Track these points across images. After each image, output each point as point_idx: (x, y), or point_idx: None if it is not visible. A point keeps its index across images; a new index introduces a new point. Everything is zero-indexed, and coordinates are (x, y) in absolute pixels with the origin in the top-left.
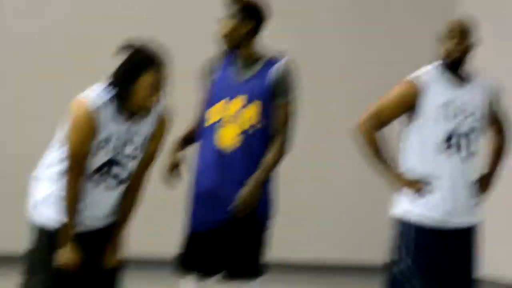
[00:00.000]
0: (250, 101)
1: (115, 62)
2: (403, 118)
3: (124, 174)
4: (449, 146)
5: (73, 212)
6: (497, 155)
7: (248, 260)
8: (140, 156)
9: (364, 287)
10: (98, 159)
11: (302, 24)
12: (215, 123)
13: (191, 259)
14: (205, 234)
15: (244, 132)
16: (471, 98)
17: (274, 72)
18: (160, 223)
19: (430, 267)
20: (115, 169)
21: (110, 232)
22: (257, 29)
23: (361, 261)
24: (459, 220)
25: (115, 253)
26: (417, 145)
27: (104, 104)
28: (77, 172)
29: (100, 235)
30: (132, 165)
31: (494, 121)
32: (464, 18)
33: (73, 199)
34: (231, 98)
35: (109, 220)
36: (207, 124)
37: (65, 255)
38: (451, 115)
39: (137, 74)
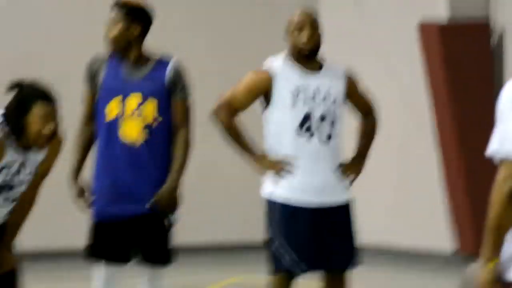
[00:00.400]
0: (145, 98)
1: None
2: (260, 103)
3: (16, 194)
4: (306, 130)
5: None
6: (366, 138)
7: (160, 249)
8: (31, 178)
9: (254, 264)
10: None
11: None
12: (116, 117)
13: (100, 248)
14: (113, 224)
15: (148, 126)
16: (324, 83)
17: (168, 71)
18: (68, 215)
19: (301, 242)
20: (9, 192)
21: (1, 233)
22: (144, 31)
23: (250, 240)
24: (324, 200)
25: (9, 256)
26: (274, 130)
27: (5, 133)
28: None
29: None
30: (24, 187)
31: (360, 104)
32: (309, 9)
33: None
34: (125, 96)
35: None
36: (108, 119)
37: None
38: (304, 100)
39: (27, 107)
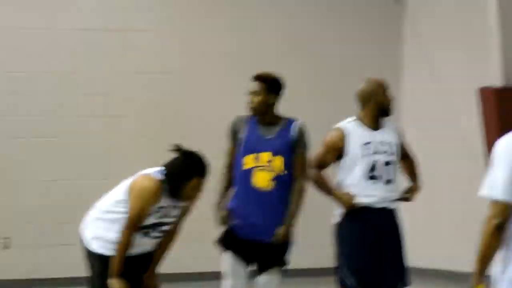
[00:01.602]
0: (274, 155)
1: None
2: (336, 162)
3: (165, 229)
4: (372, 176)
5: (123, 257)
6: (414, 173)
7: (275, 261)
8: (177, 217)
9: None
10: (150, 220)
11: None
12: (251, 168)
13: (229, 242)
14: (243, 240)
15: (276, 178)
16: (385, 138)
17: (292, 132)
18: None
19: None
20: (161, 227)
21: (150, 258)
22: (278, 99)
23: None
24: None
25: (154, 278)
26: (348, 177)
27: (162, 185)
28: (134, 230)
29: (141, 260)
30: (171, 224)
31: (405, 154)
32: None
33: (125, 248)
34: (259, 152)
35: (149, 249)
36: (244, 168)
37: (116, 284)
38: (371, 152)
39: (188, 178)
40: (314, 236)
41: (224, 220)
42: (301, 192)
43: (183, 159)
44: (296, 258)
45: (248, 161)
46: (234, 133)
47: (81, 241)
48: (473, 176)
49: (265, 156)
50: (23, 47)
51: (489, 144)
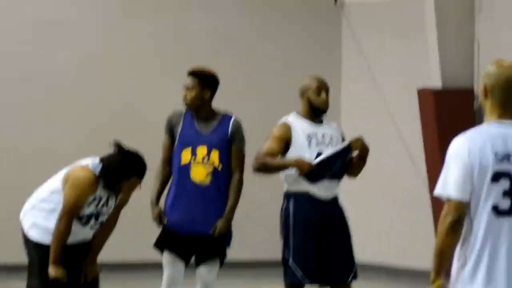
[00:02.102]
0: (210, 149)
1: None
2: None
3: (102, 220)
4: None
5: (61, 245)
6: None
7: (214, 251)
8: (113, 208)
9: None
10: (87, 210)
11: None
12: (189, 163)
13: (166, 242)
14: (181, 236)
15: (212, 172)
16: (326, 131)
17: (229, 127)
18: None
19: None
20: (99, 217)
21: (89, 248)
22: (213, 94)
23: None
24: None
25: (94, 266)
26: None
27: (98, 177)
28: (70, 218)
29: (80, 249)
30: (108, 214)
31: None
32: (321, 76)
33: (62, 236)
34: (195, 146)
35: (88, 239)
36: (182, 163)
37: (54, 271)
38: (315, 144)
39: (127, 177)
40: (253, 229)
41: (158, 219)
42: (239, 186)
43: (123, 157)
44: (235, 251)
45: (185, 156)
46: (170, 128)
47: (20, 229)
48: (412, 175)
49: (202, 150)
50: None
51: (428, 144)
